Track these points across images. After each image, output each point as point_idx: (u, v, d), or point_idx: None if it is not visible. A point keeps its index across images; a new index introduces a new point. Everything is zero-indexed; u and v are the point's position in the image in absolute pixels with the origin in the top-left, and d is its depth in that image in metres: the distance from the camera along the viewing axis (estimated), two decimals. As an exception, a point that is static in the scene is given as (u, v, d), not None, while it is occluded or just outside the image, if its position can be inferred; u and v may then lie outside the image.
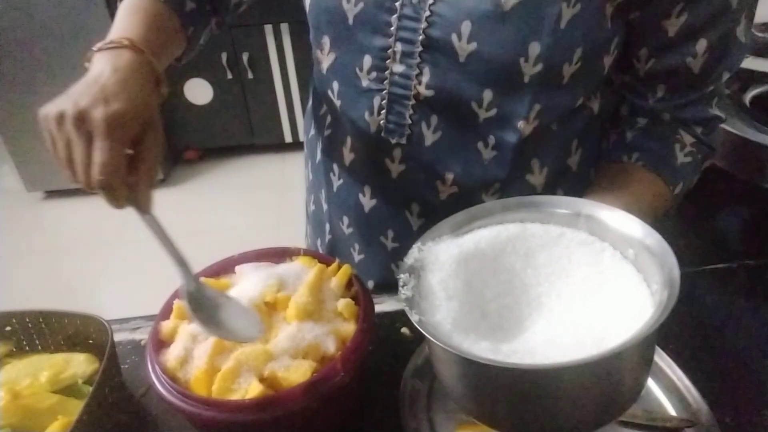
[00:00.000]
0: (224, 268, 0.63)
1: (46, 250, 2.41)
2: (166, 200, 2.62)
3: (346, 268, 0.59)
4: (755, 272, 0.77)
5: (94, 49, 0.56)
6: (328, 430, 0.57)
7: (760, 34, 1.22)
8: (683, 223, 1.04)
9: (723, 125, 1.00)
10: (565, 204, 0.52)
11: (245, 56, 2.56)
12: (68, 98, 0.50)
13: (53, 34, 2.29)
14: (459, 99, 0.61)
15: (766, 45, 1.18)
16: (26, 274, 2.26)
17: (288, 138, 2.83)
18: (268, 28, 2.50)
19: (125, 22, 0.59)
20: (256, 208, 2.55)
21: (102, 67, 0.54)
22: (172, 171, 2.79)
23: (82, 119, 0.49)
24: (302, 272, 0.59)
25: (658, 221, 0.64)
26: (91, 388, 0.53)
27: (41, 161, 2.58)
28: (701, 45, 0.59)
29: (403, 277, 0.47)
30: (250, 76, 2.62)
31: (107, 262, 2.30)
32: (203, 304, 0.52)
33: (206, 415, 0.48)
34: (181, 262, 0.52)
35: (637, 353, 0.42)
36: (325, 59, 0.67)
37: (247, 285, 0.58)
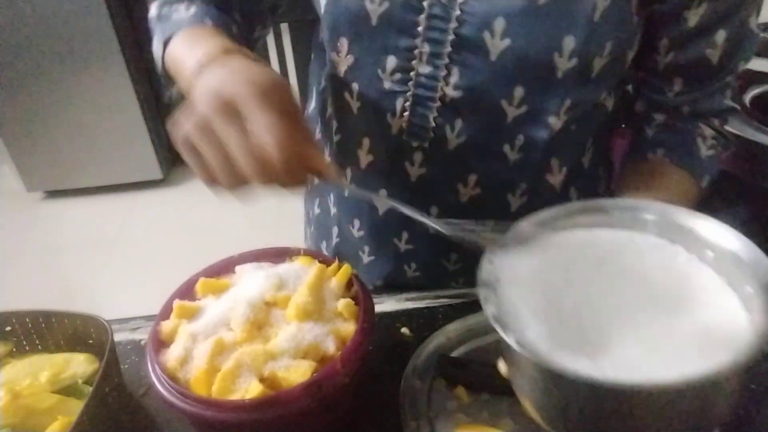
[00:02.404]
0: (224, 268, 0.63)
1: (46, 250, 2.41)
2: (166, 200, 2.64)
3: (346, 268, 0.59)
4: (755, 272, 0.76)
5: (188, 73, 0.52)
6: (328, 430, 0.57)
7: (760, 34, 1.22)
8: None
9: (723, 125, 0.98)
10: (629, 207, 0.49)
11: (245, 56, 2.56)
12: (200, 102, 0.44)
13: (53, 35, 2.29)
14: (488, 98, 0.60)
15: (766, 45, 1.18)
16: (26, 274, 2.26)
17: (288, 138, 2.83)
18: (268, 28, 2.50)
19: (200, 46, 0.55)
20: (256, 208, 2.54)
21: (212, 69, 0.49)
22: (172, 171, 2.79)
23: (231, 106, 0.42)
24: (302, 272, 0.59)
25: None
26: (91, 388, 0.53)
27: (41, 161, 2.58)
28: (720, 36, 0.59)
29: (482, 291, 0.43)
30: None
31: (107, 262, 2.30)
32: None
33: (206, 415, 0.48)
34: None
35: (741, 373, 0.39)
36: (343, 61, 0.64)
37: (247, 285, 0.58)
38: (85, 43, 2.31)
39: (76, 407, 0.54)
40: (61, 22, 2.26)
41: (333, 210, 0.80)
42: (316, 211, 0.85)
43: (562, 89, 0.59)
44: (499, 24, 0.55)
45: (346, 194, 0.74)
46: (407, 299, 0.74)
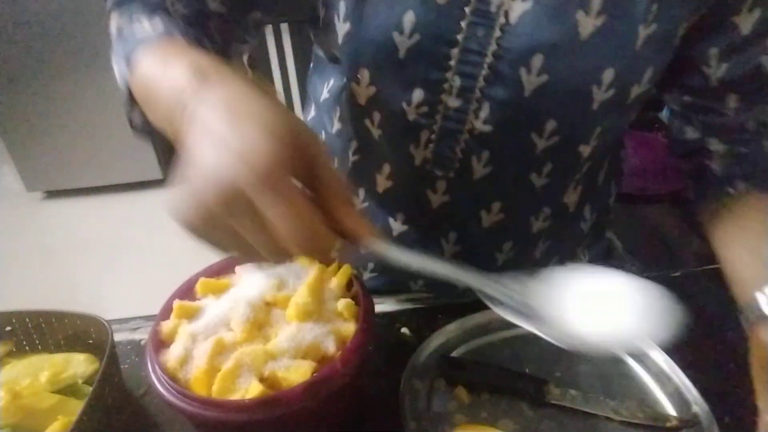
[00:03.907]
0: (224, 268, 0.63)
1: (46, 250, 2.41)
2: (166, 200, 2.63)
3: (346, 269, 0.59)
4: (755, 272, 0.76)
5: (166, 105, 0.42)
6: (328, 430, 0.57)
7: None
8: (685, 223, 1.04)
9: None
10: None
11: (245, 56, 2.56)
12: (197, 180, 0.37)
13: (53, 35, 2.29)
14: (518, 131, 0.57)
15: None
16: (26, 274, 2.26)
17: (288, 138, 2.83)
18: (268, 28, 2.49)
19: (176, 67, 0.44)
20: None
21: (203, 113, 0.39)
22: (172, 171, 2.79)
23: (236, 195, 0.34)
24: (302, 272, 0.59)
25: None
26: (91, 388, 0.53)
27: (41, 161, 2.58)
28: None
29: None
30: (249, 76, 2.62)
31: (107, 262, 2.30)
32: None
33: (206, 415, 0.48)
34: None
35: None
36: (363, 92, 0.59)
37: (247, 285, 0.58)
38: (85, 43, 2.31)
39: (76, 407, 0.54)
40: (61, 22, 2.26)
41: None
42: None
43: (595, 119, 0.56)
44: (537, 60, 0.52)
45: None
46: (407, 299, 0.74)
